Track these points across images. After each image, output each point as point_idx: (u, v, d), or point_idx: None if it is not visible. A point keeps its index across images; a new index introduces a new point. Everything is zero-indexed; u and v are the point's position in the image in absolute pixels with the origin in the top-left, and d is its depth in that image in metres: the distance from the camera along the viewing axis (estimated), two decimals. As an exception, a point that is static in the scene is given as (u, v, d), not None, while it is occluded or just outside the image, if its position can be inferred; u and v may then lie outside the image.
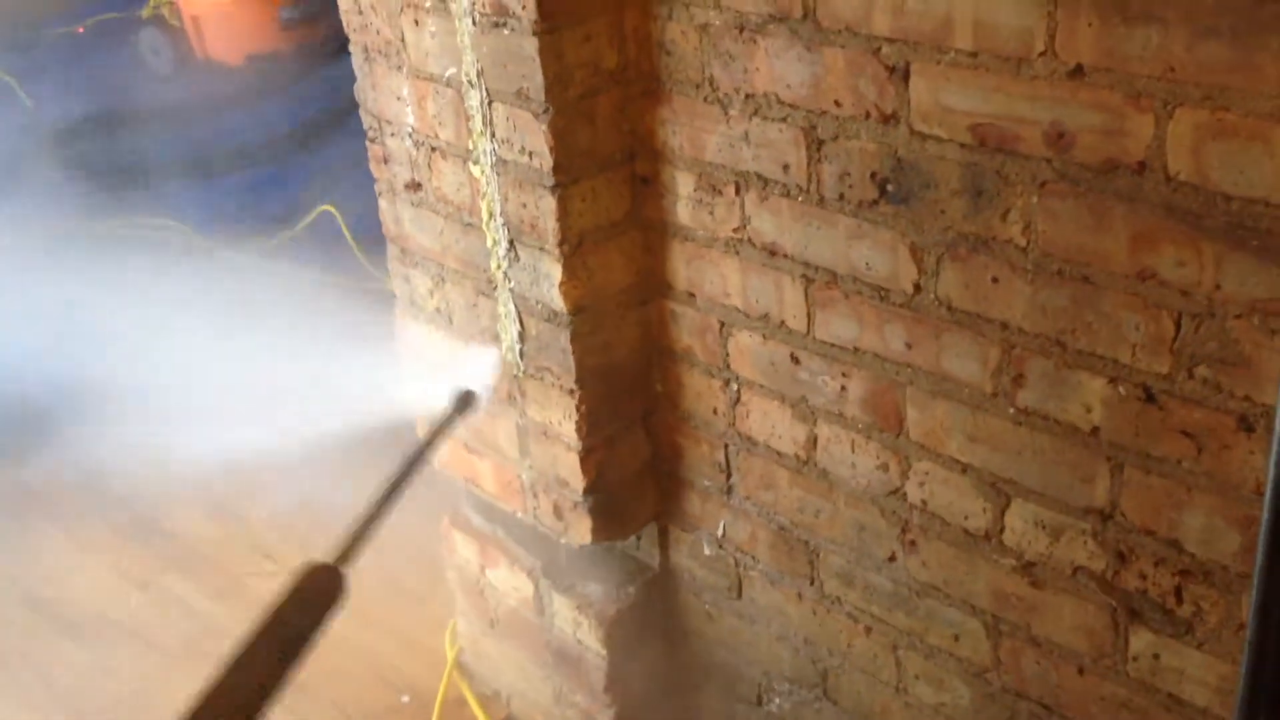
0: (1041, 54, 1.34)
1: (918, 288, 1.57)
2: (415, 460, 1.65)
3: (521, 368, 1.96)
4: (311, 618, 1.38)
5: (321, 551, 1.50)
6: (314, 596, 1.41)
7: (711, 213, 1.77)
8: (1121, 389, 1.42)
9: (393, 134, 2.01)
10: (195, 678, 1.33)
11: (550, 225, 1.80)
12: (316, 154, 4.90)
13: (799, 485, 1.84)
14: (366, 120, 2.05)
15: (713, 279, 1.82)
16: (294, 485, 2.96)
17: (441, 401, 1.80)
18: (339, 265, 4.07)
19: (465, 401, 1.79)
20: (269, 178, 4.82)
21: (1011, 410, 1.54)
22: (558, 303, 1.85)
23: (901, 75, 1.47)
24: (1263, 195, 1.23)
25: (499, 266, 1.92)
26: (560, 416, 1.94)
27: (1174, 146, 1.28)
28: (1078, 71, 1.32)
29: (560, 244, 1.80)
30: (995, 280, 1.49)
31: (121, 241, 4.41)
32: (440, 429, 1.73)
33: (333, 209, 4.36)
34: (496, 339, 1.98)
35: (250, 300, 3.86)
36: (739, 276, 1.78)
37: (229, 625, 2.66)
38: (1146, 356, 1.38)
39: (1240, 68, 1.20)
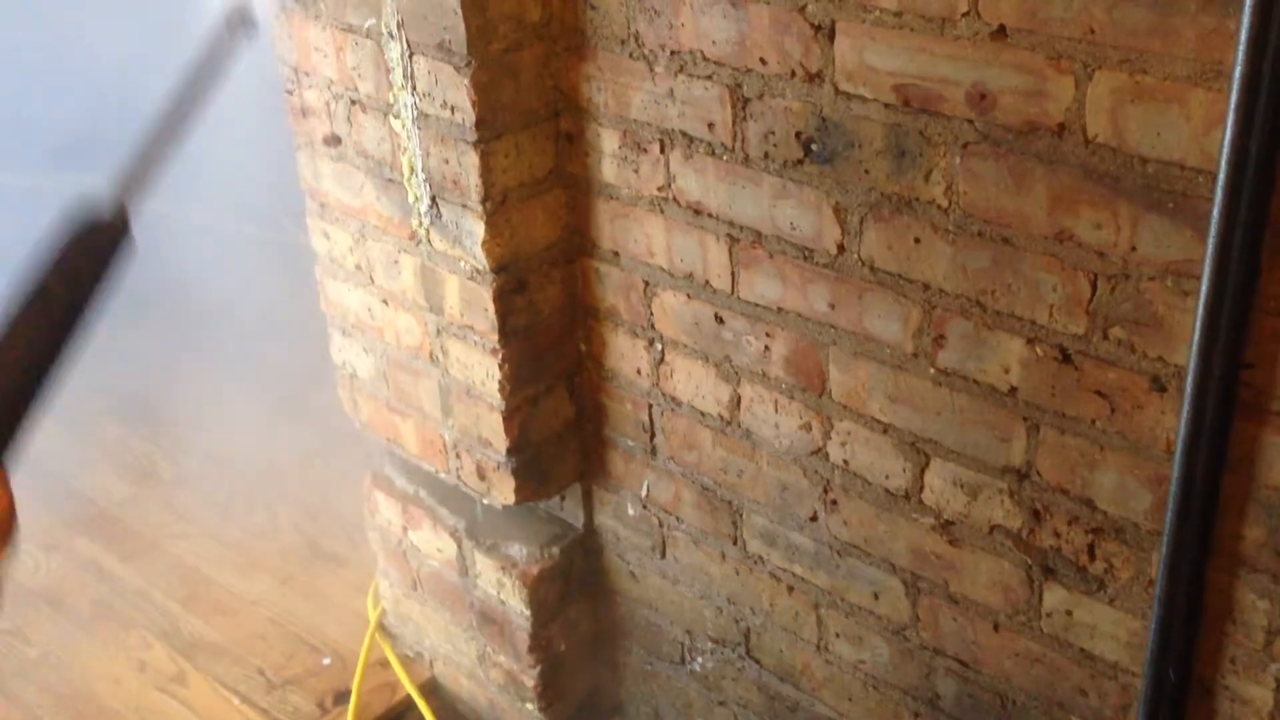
0: (965, 14, 1.34)
1: (841, 248, 1.57)
2: (189, 93, 1.24)
3: (441, 324, 1.94)
4: (88, 283, 1.09)
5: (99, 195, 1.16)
6: (89, 258, 1.11)
7: (636, 171, 1.76)
8: (1039, 349, 1.44)
9: (310, 86, 1.96)
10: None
11: (473, 181, 1.77)
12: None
13: (722, 445, 1.85)
14: (283, 71, 2.00)
15: (637, 238, 1.81)
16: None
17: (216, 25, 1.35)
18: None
19: (240, 19, 1.36)
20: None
21: (932, 370, 1.55)
22: (481, 260, 1.82)
23: (827, 34, 1.47)
24: (1178, 158, 1.25)
25: (420, 224, 1.89)
26: (483, 376, 1.92)
27: (1093, 109, 1.29)
28: (1000, 32, 1.32)
29: (483, 201, 1.78)
30: (917, 241, 1.49)
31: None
32: (216, 52, 1.30)
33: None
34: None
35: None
36: (663, 235, 1.77)
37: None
38: (1063, 317, 1.40)
39: (1158, 31, 1.21)
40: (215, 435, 3.05)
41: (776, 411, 1.75)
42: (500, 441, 1.96)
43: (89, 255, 1.10)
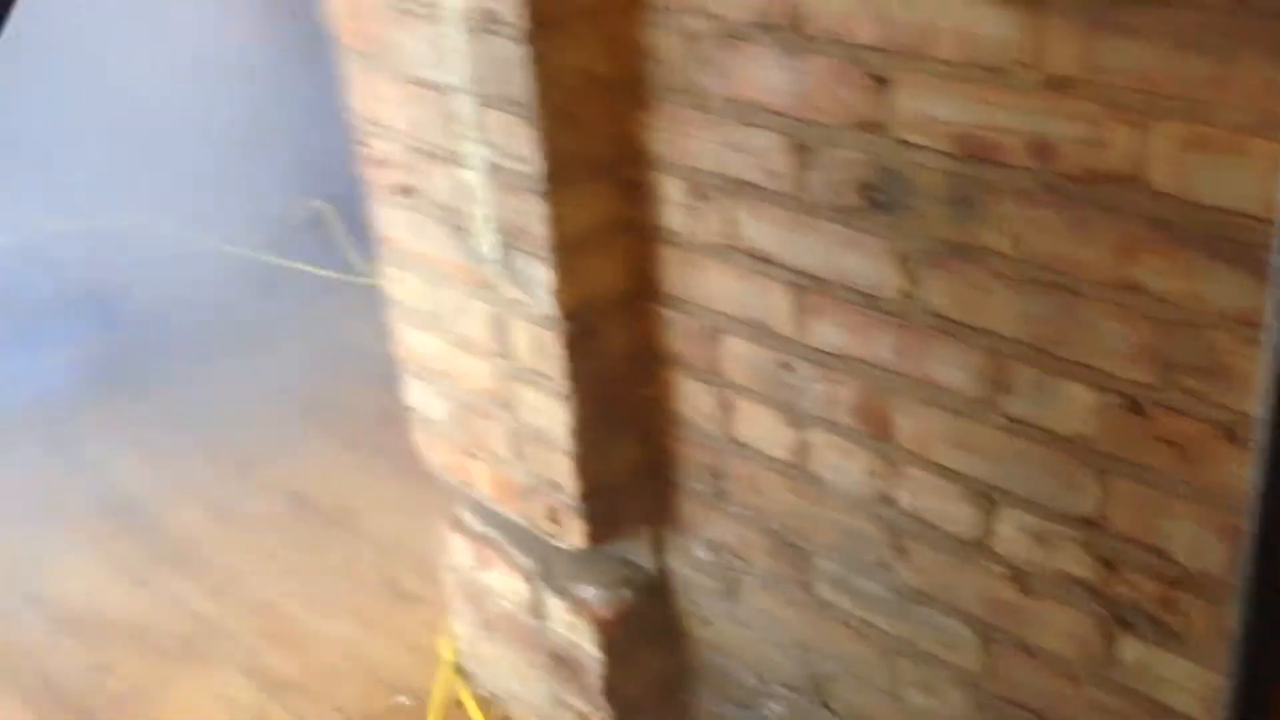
0: (1023, 65, 1.34)
1: (905, 296, 1.57)
2: None
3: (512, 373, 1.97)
4: None
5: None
6: None
7: (701, 218, 1.77)
8: (1107, 398, 1.42)
9: (383, 137, 2.01)
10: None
11: (541, 230, 1.80)
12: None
13: (790, 490, 1.85)
14: (356, 122, 2.06)
15: (703, 284, 1.82)
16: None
17: None
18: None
19: None
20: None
21: (999, 418, 1.54)
22: (550, 307, 1.85)
23: (885, 84, 1.47)
24: (1241, 207, 1.23)
25: (491, 271, 1.92)
26: (553, 421, 1.95)
27: (1155, 158, 1.27)
28: (1058, 82, 1.32)
29: (552, 249, 1.81)
30: (981, 289, 1.48)
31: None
32: None
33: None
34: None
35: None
36: (729, 282, 1.78)
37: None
38: (1130, 366, 1.38)
39: (1217, 81, 1.20)
40: (297, 474, 3.12)
41: (843, 458, 1.74)
42: (571, 485, 1.98)
43: None
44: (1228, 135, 1.21)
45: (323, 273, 4.01)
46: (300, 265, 4.05)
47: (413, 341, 2.18)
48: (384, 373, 2.39)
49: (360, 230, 2.47)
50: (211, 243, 4.12)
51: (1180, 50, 1.21)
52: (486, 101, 1.77)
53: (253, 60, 4.05)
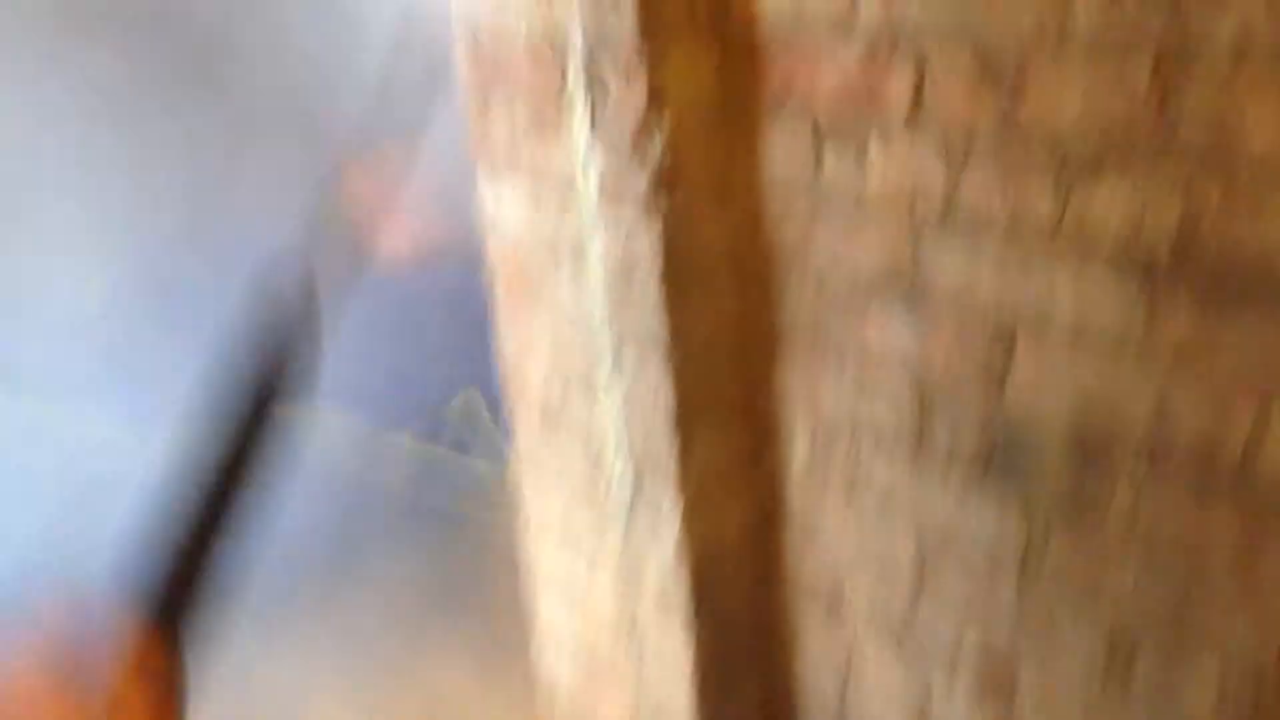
0: (1141, 337, 1.33)
1: (1026, 556, 1.54)
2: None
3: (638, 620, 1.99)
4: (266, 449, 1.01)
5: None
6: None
7: (828, 460, 1.79)
8: (1233, 680, 1.35)
9: (530, 365, 2.11)
10: None
11: (672, 464, 1.84)
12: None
13: (912, 742, 1.79)
14: (506, 351, 2.16)
15: (829, 525, 1.82)
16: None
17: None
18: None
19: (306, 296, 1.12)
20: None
21: (1121, 692, 1.47)
22: (679, 540, 1.88)
23: (1007, 346, 1.48)
24: (1372, 496, 1.18)
25: (624, 498, 1.97)
26: (676, 649, 1.95)
27: (1274, 440, 1.24)
28: (1177, 358, 1.31)
29: (681, 482, 1.85)
30: (1103, 558, 1.45)
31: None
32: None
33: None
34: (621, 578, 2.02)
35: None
36: (854, 524, 1.78)
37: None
38: (1256, 649, 1.32)
39: (1340, 367, 1.17)
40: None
41: (965, 713, 1.69)
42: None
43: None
44: (1353, 422, 1.18)
45: (476, 460, 4.13)
46: (452, 452, 4.18)
47: (545, 559, 2.23)
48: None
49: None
50: (370, 427, 4.30)
51: (1299, 334, 1.20)
52: (625, 340, 1.85)
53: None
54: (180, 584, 0.97)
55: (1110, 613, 1.46)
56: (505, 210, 2.06)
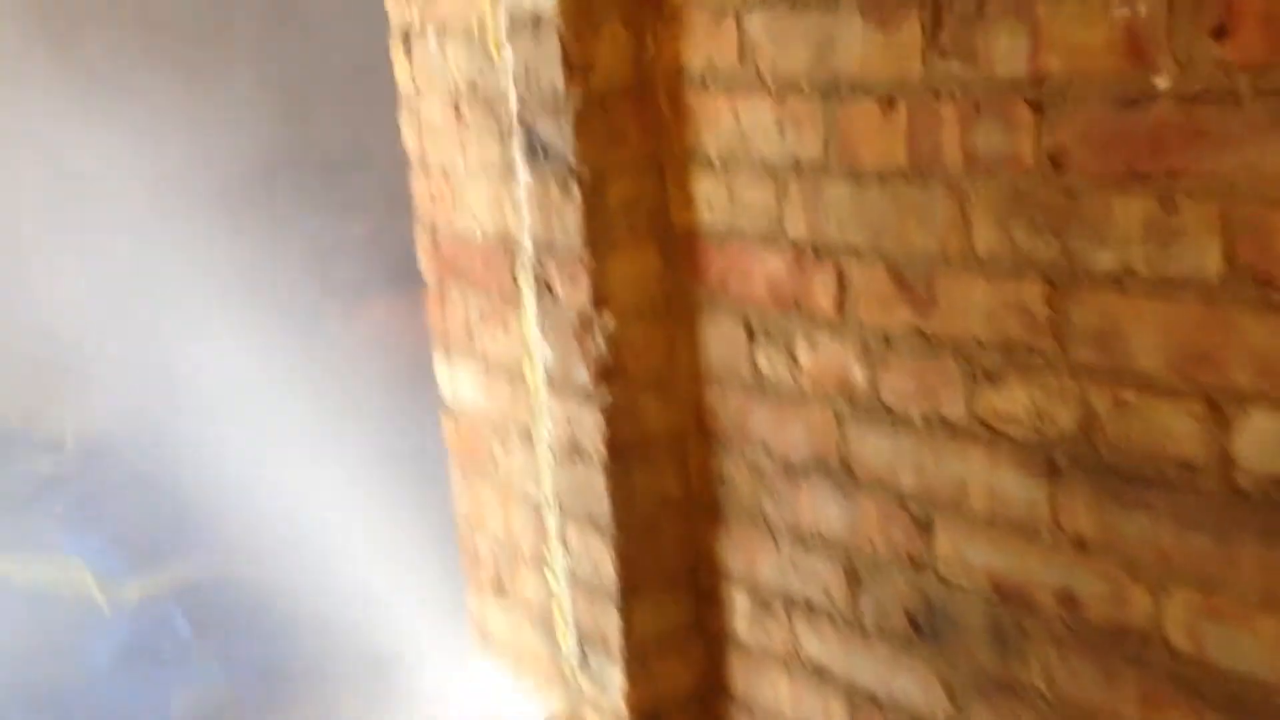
0: (1048, 524, 1.47)
1: (953, 723, 1.65)
2: None
3: (588, 767, 2.05)
4: None
5: None
6: None
7: (765, 630, 1.89)
8: (1148, 845, 1.45)
9: (481, 539, 2.20)
10: None
11: (615, 636, 1.94)
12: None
13: None
14: (459, 524, 2.26)
15: (767, 691, 1.92)
16: None
17: None
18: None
19: None
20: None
21: None
22: (621, 707, 1.96)
23: (926, 527, 1.61)
24: (1258, 675, 1.31)
25: (570, 669, 2.05)
26: (623, 818, 2.01)
27: (1171, 621, 1.37)
28: (1081, 543, 1.44)
29: (624, 652, 1.94)
30: (1023, 724, 1.56)
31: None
32: None
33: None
34: (567, 736, 2.09)
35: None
36: (790, 691, 1.88)
37: None
38: (1167, 815, 1.42)
39: (1222, 559, 1.31)
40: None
41: None
42: None
43: None
44: (1238, 608, 1.31)
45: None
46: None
47: (497, 725, 2.29)
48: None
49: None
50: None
51: (1187, 528, 1.34)
52: (570, 517, 1.96)
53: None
54: None
55: (1032, 779, 1.56)
56: (460, 391, 2.17)
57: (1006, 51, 1.38)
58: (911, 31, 1.47)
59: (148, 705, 3.69)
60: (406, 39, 2.08)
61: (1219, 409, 1.28)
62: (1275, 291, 1.20)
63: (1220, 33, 1.20)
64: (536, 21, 1.77)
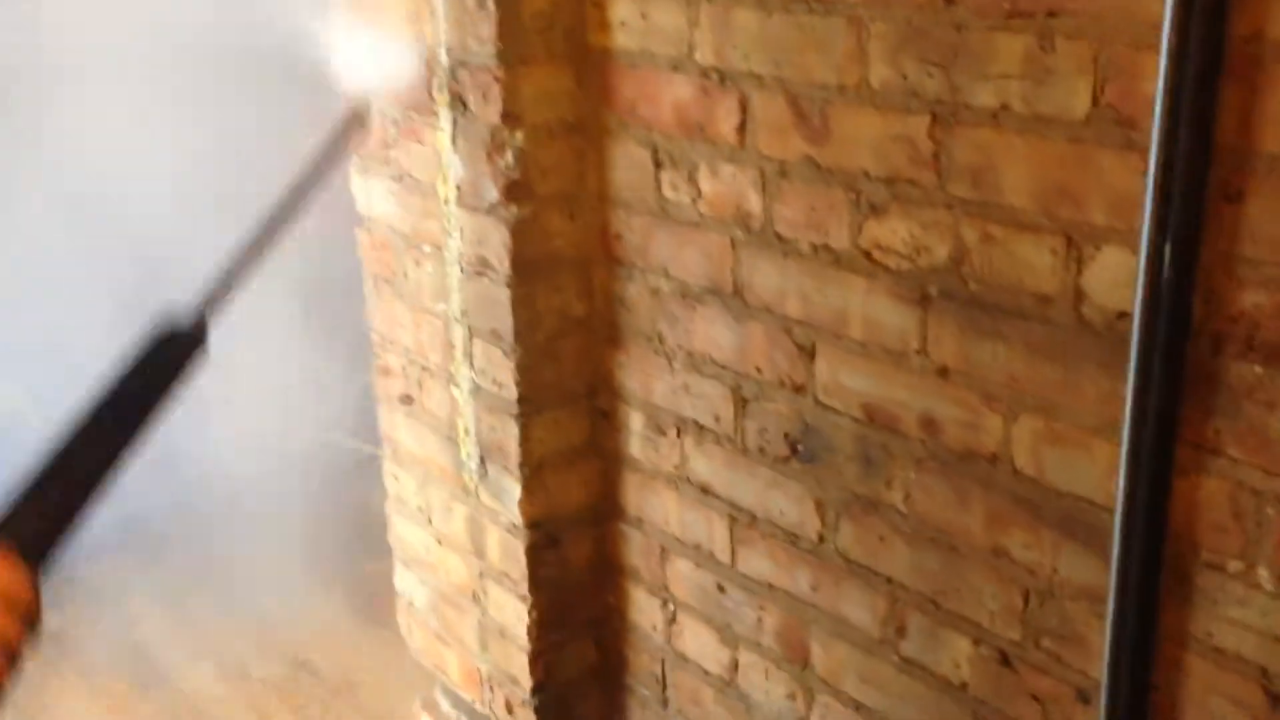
0: (916, 351, 1.54)
1: (821, 538, 1.75)
2: (300, 192, 1.32)
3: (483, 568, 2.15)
4: (163, 382, 1.11)
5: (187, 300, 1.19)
6: (166, 360, 1.13)
7: (657, 449, 1.98)
8: (982, 650, 1.57)
9: (392, 352, 2.26)
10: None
11: (513, 449, 2.01)
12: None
13: (722, 705, 1.99)
14: (374, 337, 2.31)
15: (656, 508, 2.01)
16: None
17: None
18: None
19: (355, 119, 1.49)
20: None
21: (896, 658, 1.69)
22: (517, 517, 2.05)
23: (809, 353, 1.69)
24: (1088, 495, 1.41)
25: (471, 479, 2.13)
26: (514, 619, 2.12)
27: (1018, 445, 1.46)
28: (943, 371, 1.52)
29: (521, 466, 2.01)
30: (882, 539, 1.66)
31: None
32: (327, 152, 1.40)
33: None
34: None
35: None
36: (677, 509, 1.97)
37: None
38: (1001, 624, 1.54)
39: (1066, 386, 1.39)
40: (307, 643, 3.28)
41: (767, 679, 1.89)
42: (526, 680, 2.14)
43: (164, 359, 1.12)
44: (1077, 433, 1.40)
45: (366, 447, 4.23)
46: (345, 439, 4.28)
47: (403, 532, 2.38)
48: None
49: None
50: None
51: (1035, 355, 1.41)
52: (476, 332, 2.01)
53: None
54: (47, 515, 1.00)
55: (885, 589, 1.67)
56: (374, 205, 2.20)
57: (910, -118, 1.40)
58: None
59: None
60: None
61: (1075, 245, 1.34)
62: (1135, 132, 1.26)
63: None
64: None
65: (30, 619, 0.95)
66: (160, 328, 1.14)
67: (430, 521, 2.29)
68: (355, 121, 1.45)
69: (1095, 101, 1.28)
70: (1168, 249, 1.21)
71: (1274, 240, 1.17)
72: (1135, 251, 1.25)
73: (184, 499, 3.98)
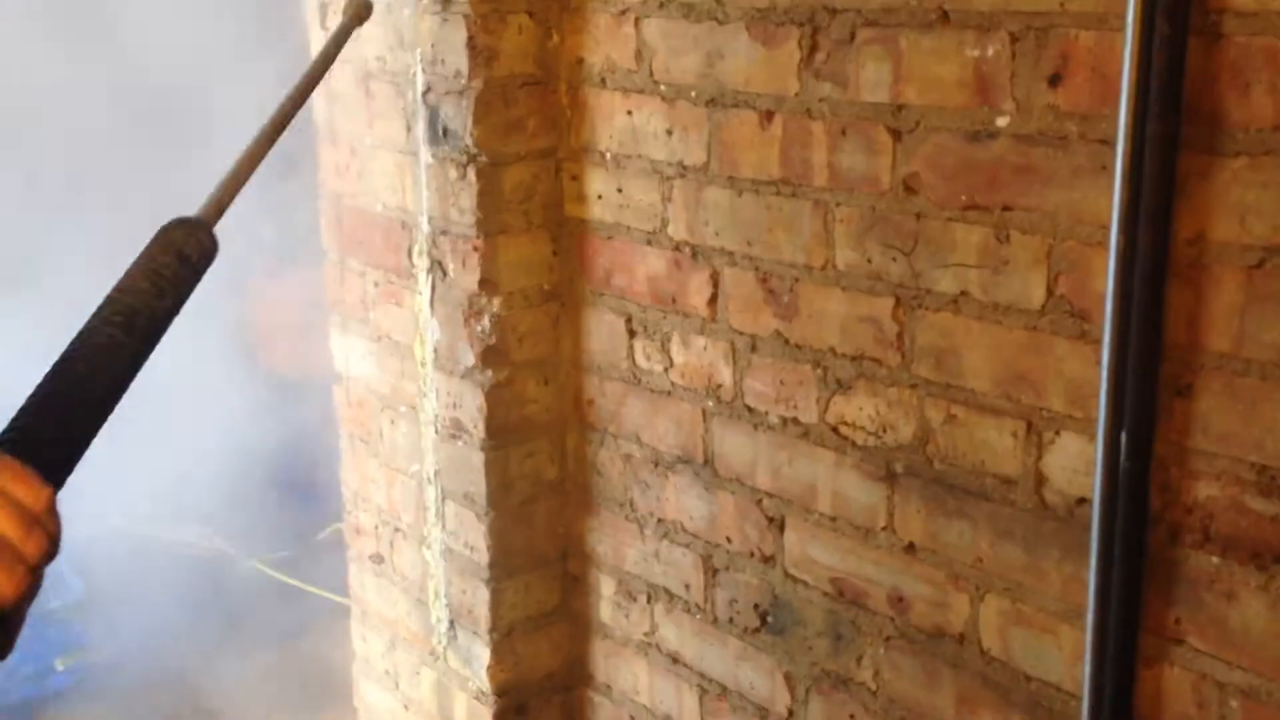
0: (883, 528, 1.55)
1: (790, 713, 1.72)
2: (305, 87, 1.30)
3: (451, 738, 2.11)
4: (173, 289, 1.08)
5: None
6: (177, 261, 1.09)
7: (628, 616, 1.96)
8: (953, 837, 1.54)
9: (364, 510, 2.25)
10: None
11: (484, 613, 1.99)
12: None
13: None
14: (345, 494, 2.30)
15: (626, 676, 1.99)
16: None
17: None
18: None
19: (359, 13, 1.44)
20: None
21: (866, 841, 1.65)
22: (485, 684, 2.02)
23: (778, 526, 1.69)
24: (1055, 680, 1.40)
25: (439, 642, 2.10)
26: (480, 790, 2.07)
27: (986, 626, 1.46)
28: (911, 548, 1.52)
29: (491, 630, 1.99)
30: (852, 717, 1.64)
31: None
32: (332, 46, 1.37)
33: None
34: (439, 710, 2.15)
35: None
36: (647, 677, 1.95)
37: None
38: (972, 810, 1.51)
39: (1030, 570, 1.40)
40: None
41: None
42: None
43: (174, 259, 1.08)
44: (1042, 617, 1.40)
45: (327, 595, 4.17)
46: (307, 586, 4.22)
47: (369, 696, 2.34)
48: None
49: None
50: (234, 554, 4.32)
51: (1000, 538, 1.42)
52: (448, 494, 2.01)
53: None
54: (64, 435, 0.96)
55: (856, 770, 1.64)
56: (352, 364, 2.22)
57: (873, 79, 1.46)
58: (790, 51, 1.54)
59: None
60: (323, 10, 2.12)
61: (1035, 429, 1.36)
62: (1088, 324, 1.29)
63: (1055, 80, 1.28)
64: (446, 4, 1.82)
65: (54, 539, 0.91)
66: (168, 229, 1.09)
67: (397, 686, 2.25)
68: (361, 13, 1.42)
69: (1050, 293, 1.32)
70: (1124, 439, 1.23)
71: (1224, 435, 1.19)
72: (1093, 439, 1.27)
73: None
